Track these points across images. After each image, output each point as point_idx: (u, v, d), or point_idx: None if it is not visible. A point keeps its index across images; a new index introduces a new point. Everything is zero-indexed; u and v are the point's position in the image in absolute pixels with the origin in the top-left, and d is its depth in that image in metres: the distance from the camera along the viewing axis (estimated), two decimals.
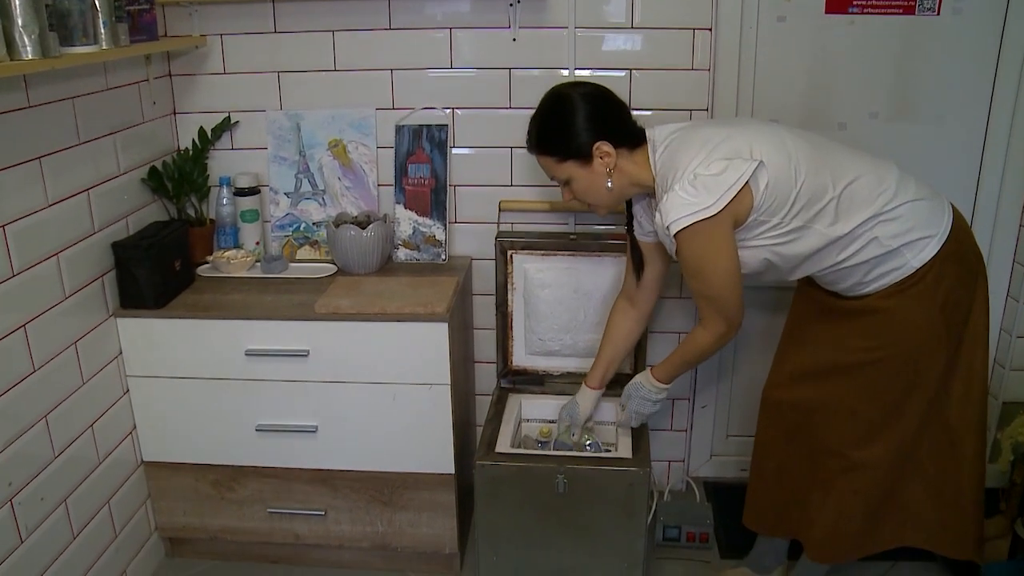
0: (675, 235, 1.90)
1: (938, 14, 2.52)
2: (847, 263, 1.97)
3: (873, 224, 1.93)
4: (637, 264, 2.30)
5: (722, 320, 2.03)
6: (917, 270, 1.95)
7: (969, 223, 2.63)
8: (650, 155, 2.05)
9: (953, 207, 2.05)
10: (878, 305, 2.01)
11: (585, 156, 2.04)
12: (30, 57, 1.82)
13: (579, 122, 2.03)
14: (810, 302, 2.22)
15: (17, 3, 1.78)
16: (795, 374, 2.22)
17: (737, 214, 1.90)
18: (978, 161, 2.66)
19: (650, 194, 2.12)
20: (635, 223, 2.25)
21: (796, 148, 1.94)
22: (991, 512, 2.51)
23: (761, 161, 1.89)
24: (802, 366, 2.20)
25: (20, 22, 1.79)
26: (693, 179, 1.88)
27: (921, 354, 2.02)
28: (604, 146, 2.02)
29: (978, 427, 2.12)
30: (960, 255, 2.01)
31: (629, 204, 2.23)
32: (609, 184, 2.06)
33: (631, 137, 2.07)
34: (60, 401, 2.19)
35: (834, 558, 2.24)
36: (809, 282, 2.17)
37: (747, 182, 1.87)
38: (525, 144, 2.14)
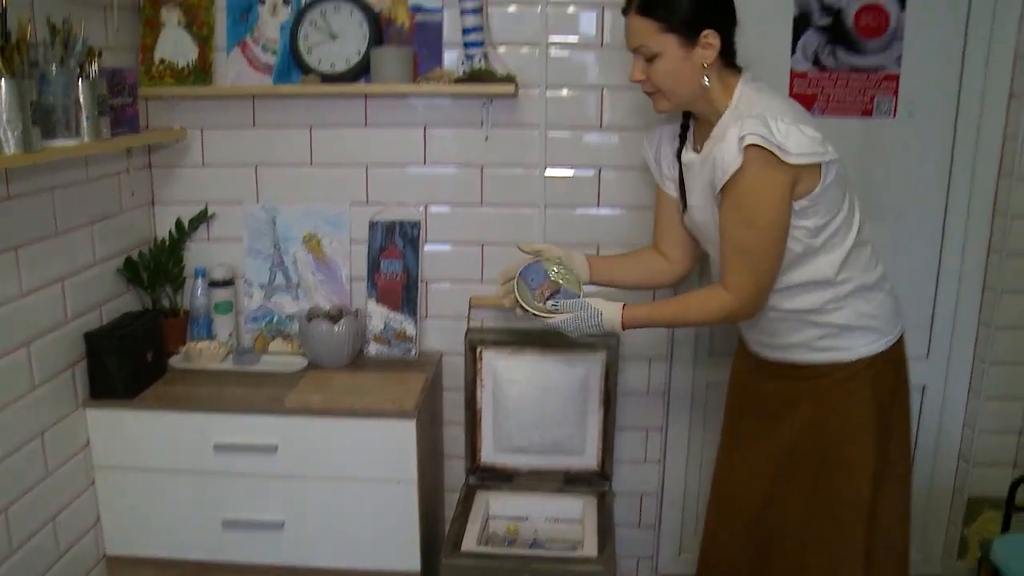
0: (747, 147, 1.81)
1: (894, 117, 2.69)
2: (810, 317, 2.02)
3: (853, 292, 2.00)
4: (684, 192, 2.16)
5: (751, 286, 1.94)
6: (858, 360, 2.03)
7: (930, 319, 2.83)
8: (738, 87, 1.99)
9: None
10: (813, 391, 2.06)
11: (691, 36, 1.93)
12: (12, 152, 1.92)
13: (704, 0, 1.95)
14: (745, 396, 2.26)
15: (3, 100, 1.88)
16: (742, 471, 2.23)
17: (798, 185, 1.87)
18: (937, 256, 2.80)
19: (700, 121, 2.07)
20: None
21: (849, 183, 1.99)
22: None
23: (839, 158, 1.90)
24: (746, 464, 2.22)
25: (5, 117, 1.89)
26: (791, 123, 1.84)
27: (849, 450, 2.06)
28: (713, 37, 1.93)
29: (899, 548, 2.17)
30: (897, 365, 2.11)
31: (685, 129, 2.16)
32: (706, 81, 1.96)
33: (732, 54, 2.02)
34: (22, 494, 2.22)
35: None
36: (747, 368, 2.23)
37: (823, 164, 1.86)
38: (624, 2, 2.03)
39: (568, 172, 2.71)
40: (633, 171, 2.71)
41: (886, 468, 2.10)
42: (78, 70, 2.17)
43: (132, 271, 2.67)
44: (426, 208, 2.78)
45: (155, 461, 2.50)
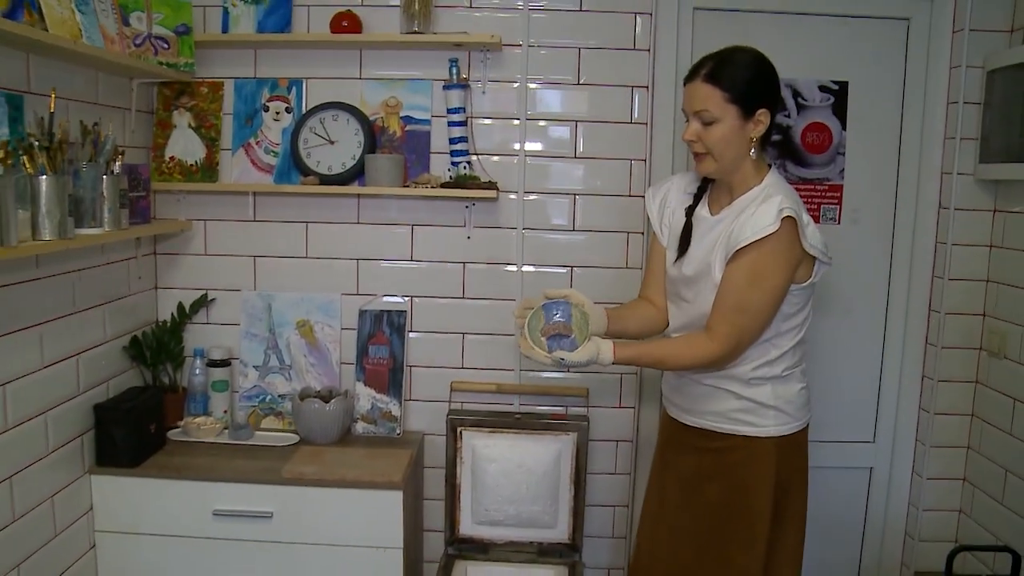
0: (782, 218, 2.06)
1: (839, 223, 3.06)
2: (735, 388, 2.24)
3: (780, 375, 2.24)
4: (684, 244, 2.33)
5: (734, 341, 2.15)
6: (765, 439, 2.25)
7: (875, 405, 3.14)
8: (769, 174, 2.24)
9: None
10: (726, 468, 2.27)
11: (749, 110, 2.16)
12: (49, 238, 2.17)
13: (772, 83, 2.20)
14: (668, 471, 2.44)
15: (44, 193, 2.15)
16: (660, 544, 2.41)
17: (798, 269, 2.15)
18: (880, 348, 3.15)
19: (721, 191, 2.29)
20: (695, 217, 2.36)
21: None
22: None
23: (830, 264, 2.21)
24: (664, 538, 2.41)
25: (45, 209, 2.15)
26: (809, 220, 2.14)
27: (749, 521, 2.26)
28: (765, 115, 2.17)
29: None
30: (802, 449, 2.35)
31: (702, 191, 2.36)
32: (752, 153, 2.20)
33: (770, 136, 2.25)
34: (32, 552, 2.42)
35: None
36: (674, 449, 2.43)
37: (816, 263, 2.16)
38: (689, 71, 2.23)
39: (544, 269, 3.04)
40: (602, 270, 3.03)
41: (778, 545, 2.30)
42: (104, 167, 2.46)
43: (137, 349, 2.93)
44: (412, 299, 3.08)
45: (155, 526, 2.71)
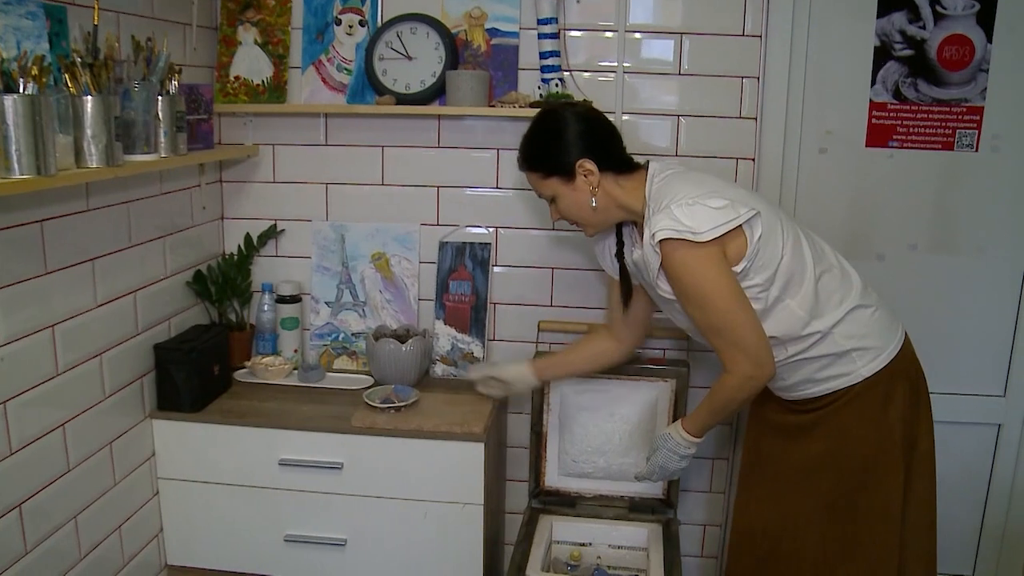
0: (660, 243, 1.85)
1: (977, 151, 2.56)
2: (798, 356, 1.95)
3: (834, 319, 1.93)
4: (626, 292, 2.21)
5: (745, 359, 1.90)
6: (865, 379, 1.94)
7: (1009, 354, 2.69)
8: (647, 184, 2.01)
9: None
10: (829, 420, 1.99)
11: (568, 172, 2.02)
12: (95, 165, 1.87)
13: (566, 138, 2.02)
14: (762, 423, 2.19)
15: (89, 115, 1.84)
16: (761, 498, 2.16)
17: (728, 252, 1.87)
18: (1018, 292, 2.65)
19: (635, 222, 2.09)
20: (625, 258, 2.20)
21: (786, 222, 1.96)
22: None
23: (758, 212, 1.88)
24: (765, 490, 2.14)
25: (90, 133, 1.85)
26: (691, 204, 1.86)
27: (873, 472, 1.98)
28: (587, 163, 2.00)
29: (927, 556, 2.07)
30: (909, 376, 2.01)
31: (619, 230, 2.18)
32: (593, 203, 2.02)
33: (620, 162, 2.06)
34: (91, 502, 2.17)
35: None
36: (761, 399, 2.12)
37: (742, 225, 1.85)
38: (516, 161, 2.13)
39: None
40: None
41: (915, 480, 2.01)
42: (158, 87, 2.13)
43: (201, 284, 2.61)
44: (497, 230, 2.70)
45: (219, 474, 2.44)
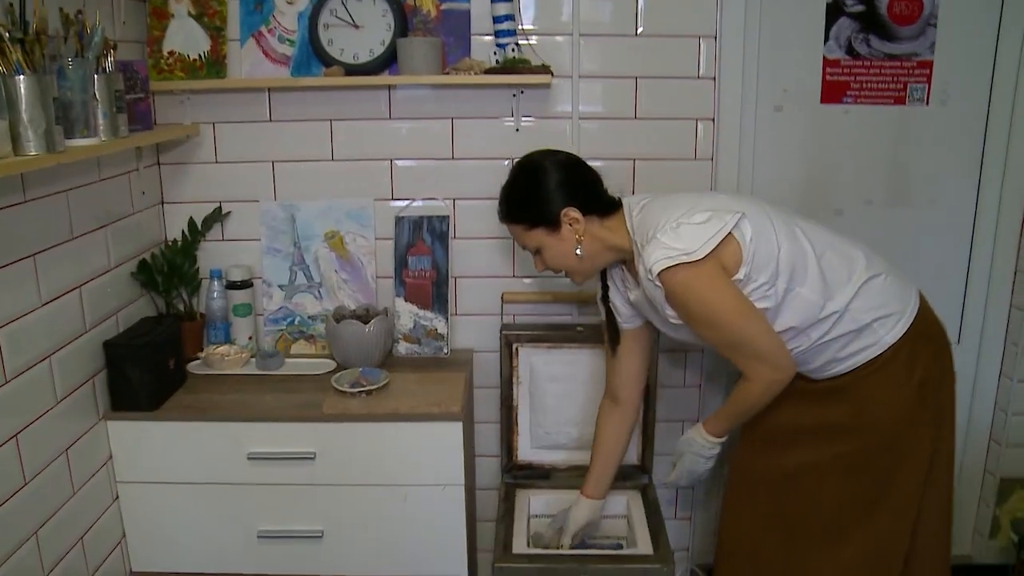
0: (659, 276, 1.80)
1: (927, 104, 2.56)
2: (821, 340, 1.91)
3: (847, 296, 1.89)
4: (612, 336, 2.20)
5: (764, 367, 1.88)
6: (890, 347, 1.91)
7: (961, 303, 2.71)
8: (626, 219, 1.99)
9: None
10: (852, 386, 1.95)
11: (553, 223, 1.97)
12: (34, 153, 1.70)
13: (547, 189, 1.98)
14: (760, 432, 2.14)
15: (24, 96, 1.66)
16: (766, 438, 2.11)
17: (725, 264, 1.83)
18: (968, 242, 2.69)
19: (627, 261, 2.04)
20: (611, 303, 2.17)
21: (772, 212, 1.92)
22: None
23: (743, 213, 1.84)
24: (773, 430, 2.08)
25: (26, 116, 1.67)
26: (676, 227, 1.83)
27: (905, 435, 1.95)
28: (572, 212, 1.96)
29: (943, 509, 2.06)
30: (931, 335, 1.98)
31: (604, 275, 2.16)
32: (578, 251, 1.99)
33: (602, 204, 2.02)
34: (51, 514, 2.01)
35: None
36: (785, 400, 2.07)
37: (731, 232, 1.81)
38: (497, 214, 2.08)
39: (600, 163, 2.52)
40: (666, 162, 2.55)
41: (940, 445, 1.99)
42: (95, 64, 1.95)
43: (146, 274, 2.44)
44: (454, 202, 2.59)
45: (182, 474, 2.29)
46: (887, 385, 1.92)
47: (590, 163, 2.47)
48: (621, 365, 2.23)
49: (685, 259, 1.78)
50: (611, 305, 2.17)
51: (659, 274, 1.81)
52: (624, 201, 2.03)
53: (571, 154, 2.07)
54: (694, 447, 2.10)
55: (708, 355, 2.71)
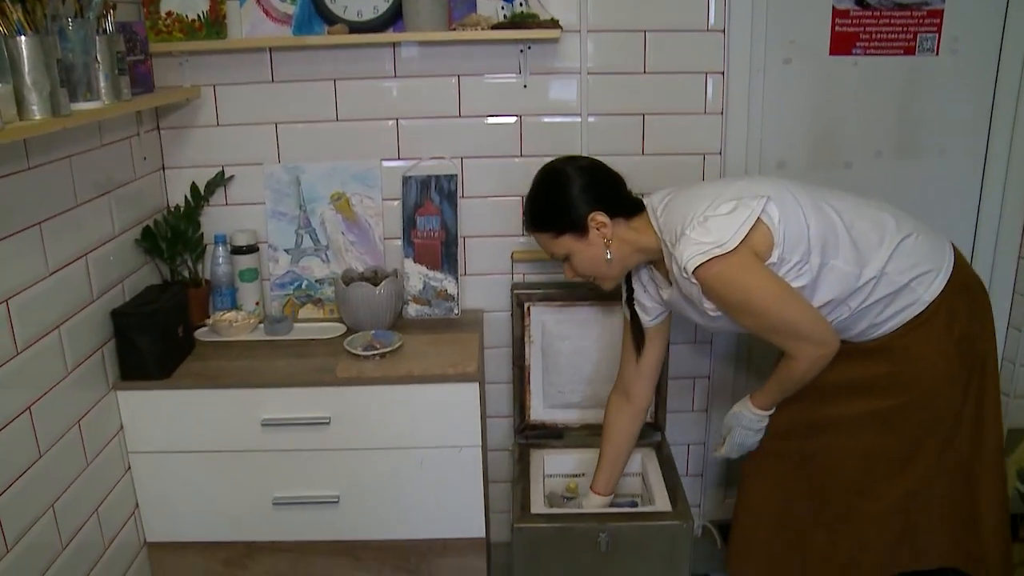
0: (694, 273, 1.79)
1: (937, 54, 2.52)
2: (860, 306, 1.89)
3: (882, 261, 1.86)
4: (637, 338, 2.18)
5: (808, 345, 1.85)
6: (929, 304, 1.89)
7: (970, 254, 2.68)
8: (651, 218, 1.97)
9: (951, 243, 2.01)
10: (893, 344, 1.92)
11: (580, 228, 1.96)
12: (38, 117, 1.64)
13: (572, 195, 1.96)
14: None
15: (27, 58, 1.60)
16: (795, 424, 2.08)
17: (757, 250, 1.81)
18: (977, 193, 2.66)
19: (655, 261, 2.03)
20: (636, 303, 2.15)
21: (795, 189, 1.88)
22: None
23: (768, 196, 1.82)
24: (803, 417, 2.06)
25: (30, 80, 1.61)
26: (703, 221, 1.81)
27: (938, 392, 1.95)
28: (599, 216, 1.95)
29: (994, 455, 2.05)
30: (968, 287, 1.96)
31: (628, 277, 2.15)
32: (608, 255, 1.97)
33: (627, 206, 2.00)
34: (67, 486, 1.97)
35: None
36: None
37: (759, 217, 1.79)
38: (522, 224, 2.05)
39: (611, 118, 2.49)
40: (676, 116, 2.50)
41: (985, 396, 1.98)
42: (95, 24, 1.88)
43: (151, 241, 2.38)
44: (462, 161, 2.53)
45: (195, 442, 2.25)
46: (928, 340, 1.90)
47: (600, 118, 2.43)
48: (641, 363, 2.22)
49: (718, 251, 1.77)
50: (637, 306, 2.15)
51: (694, 271, 1.79)
52: (646, 201, 2.02)
53: (593, 158, 2.06)
54: (743, 421, 2.08)
55: None
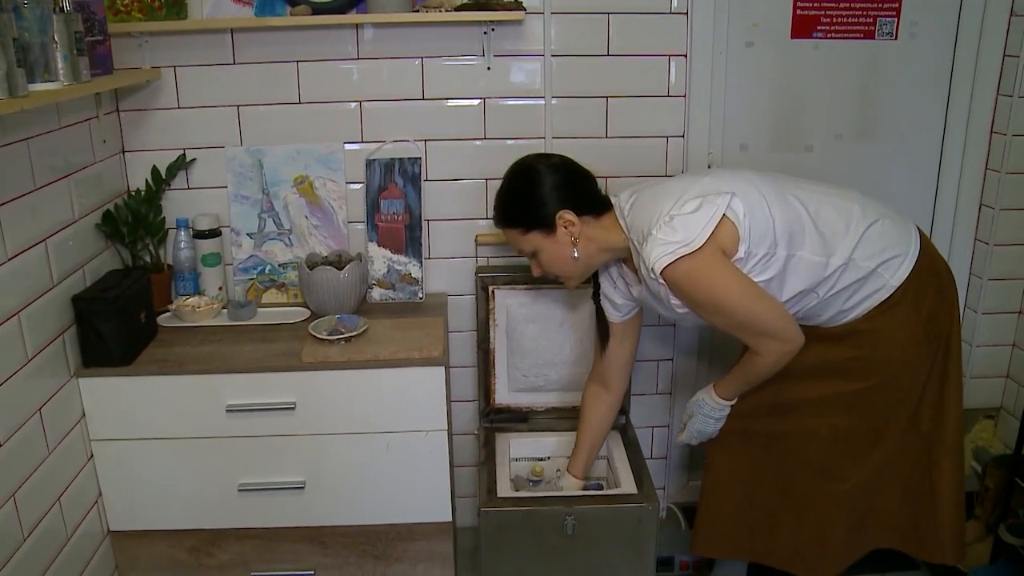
0: (662, 274, 1.80)
1: (896, 38, 2.54)
2: (828, 294, 1.91)
3: (849, 248, 1.88)
4: (603, 333, 2.21)
5: (774, 341, 1.87)
6: (896, 289, 1.91)
7: (928, 236, 2.69)
8: (618, 217, 1.99)
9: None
10: (861, 328, 1.95)
11: (549, 226, 1.97)
12: None
13: (542, 192, 1.98)
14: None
15: None
16: (762, 404, 2.09)
17: (724, 246, 1.82)
18: (935, 176, 2.69)
19: (623, 259, 2.05)
20: (604, 300, 2.17)
21: (759, 182, 1.90)
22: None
23: (733, 192, 1.83)
24: (770, 398, 2.08)
25: None
26: (669, 220, 1.82)
27: (905, 374, 1.98)
28: (567, 214, 1.96)
29: (954, 435, 2.08)
30: (934, 270, 1.99)
31: (595, 274, 2.16)
32: (575, 253, 1.98)
33: (596, 204, 2.02)
34: (28, 476, 1.93)
35: (822, 572, 2.16)
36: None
37: (724, 214, 1.80)
38: (491, 218, 2.09)
39: (574, 100, 2.49)
40: (640, 99, 2.50)
41: (947, 377, 2.01)
42: (52, 2, 1.82)
43: (111, 226, 2.33)
44: (426, 143, 2.51)
45: (158, 429, 2.21)
46: (896, 325, 1.93)
47: (563, 101, 2.42)
48: (614, 355, 2.24)
49: (685, 251, 1.78)
50: (606, 302, 2.16)
51: (662, 272, 1.80)
52: (613, 200, 2.03)
53: (564, 156, 2.06)
54: (704, 409, 2.11)
55: None
